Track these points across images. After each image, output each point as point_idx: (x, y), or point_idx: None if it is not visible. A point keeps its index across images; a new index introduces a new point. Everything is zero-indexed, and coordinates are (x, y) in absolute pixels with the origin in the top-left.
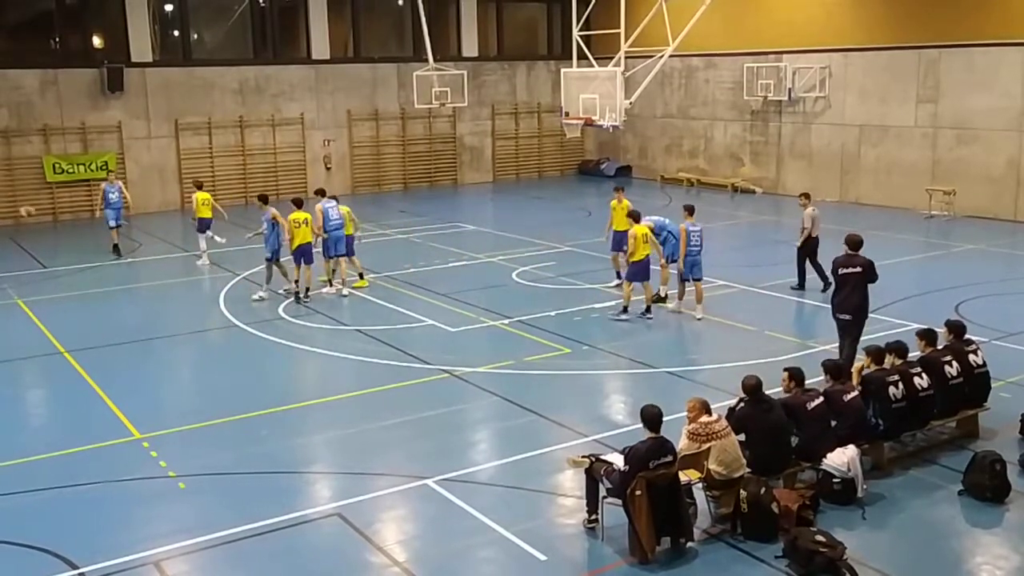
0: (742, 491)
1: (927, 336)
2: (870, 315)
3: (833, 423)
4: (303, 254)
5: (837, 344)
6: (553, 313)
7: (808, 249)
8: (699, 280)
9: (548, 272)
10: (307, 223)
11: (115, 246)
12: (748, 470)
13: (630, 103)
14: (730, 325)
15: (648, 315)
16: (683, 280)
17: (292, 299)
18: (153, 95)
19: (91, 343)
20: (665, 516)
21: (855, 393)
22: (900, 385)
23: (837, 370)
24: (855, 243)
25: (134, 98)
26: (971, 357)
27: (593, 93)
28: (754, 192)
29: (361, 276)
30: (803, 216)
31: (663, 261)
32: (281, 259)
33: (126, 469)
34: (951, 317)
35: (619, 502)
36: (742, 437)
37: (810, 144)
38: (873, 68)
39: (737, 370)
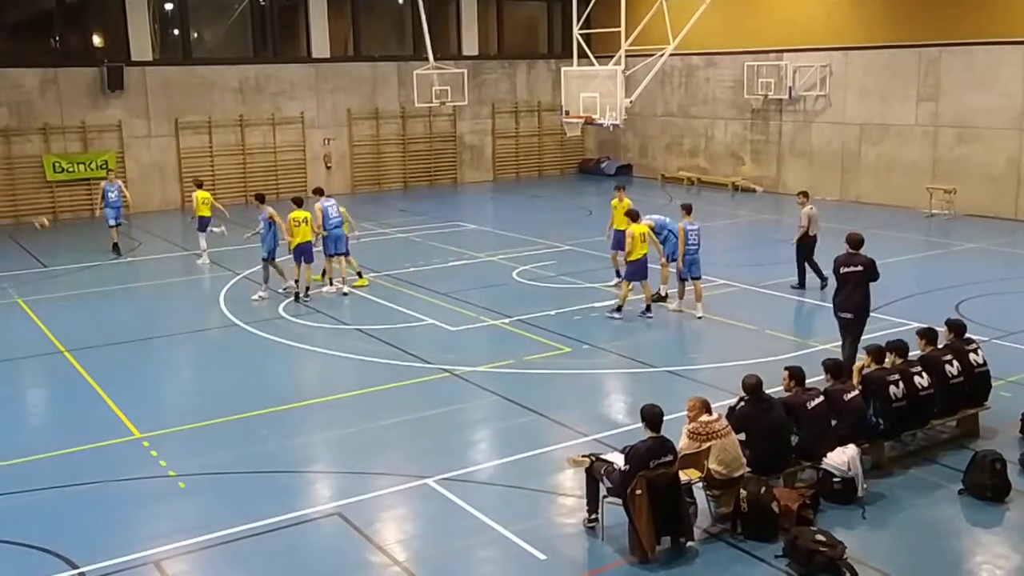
0: (742, 490)
1: (927, 335)
2: (871, 314)
3: (833, 422)
4: (303, 253)
5: (838, 343)
6: (553, 312)
7: (806, 248)
8: (697, 279)
9: (548, 271)
10: (307, 222)
11: (115, 245)
12: (748, 469)
13: (630, 102)
14: (730, 324)
15: (648, 314)
16: (682, 279)
17: (292, 298)
18: (153, 94)
19: (91, 342)
20: (665, 515)
21: (855, 392)
22: (900, 384)
23: (837, 369)
24: (856, 242)
25: (134, 97)
26: (971, 356)
27: (593, 92)
28: (754, 191)
29: (360, 275)
30: (800, 214)
31: (663, 260)
32: (277, 259)
33: (126, 469)
34: (951, 316)
35: (619, 501)
36: (742, 436)
37: (811, 143)
38: (874, 67)
39: (737, 369)
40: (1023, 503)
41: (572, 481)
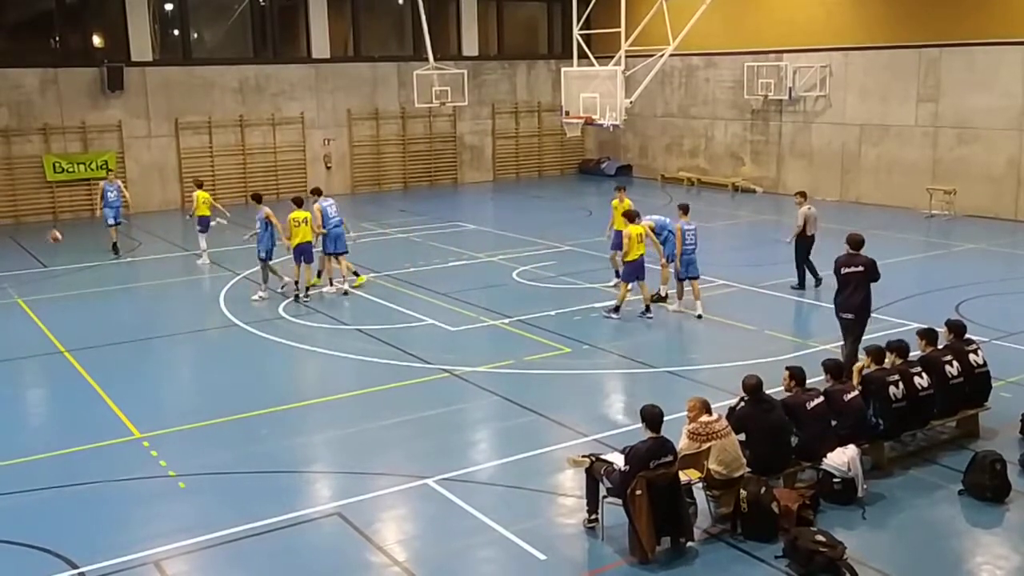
0: (742, 491)
1: (927, 336)
2: (872, 314)
3: (833, 423)
4: (303, 253)
5: (837, 343)
6: (553, 312)
7: (804, 247)
8: (695, 279)
9: (548, 271)
10: (307, 222)
11: (114, 244)
12: (748, 470)
13: (630, 102)
14: (730, 324)
15: (648, 314)
16: (679, 280)
17: (292, 298)
18: (153, 94)
19: (91, 342)
20: (665, 516)
21: (855, 393)
22: (900, 385)
23: (837, 369)
24: (856, 242)
25: (134, 97)
26: (971, 357)
27: (593, 92)
28: (754, 191)
29: (356, 274)
30: (797, 214)
31: (663, 260)
32: (272, 260)
33: (126, 469)
34: (951, 317)
35: (619, 502)
36: (742, 437)
37: (810, 143)
38: (874, 67)
39: (737, 370)
40: (1023, 504)
41: (572, 481)
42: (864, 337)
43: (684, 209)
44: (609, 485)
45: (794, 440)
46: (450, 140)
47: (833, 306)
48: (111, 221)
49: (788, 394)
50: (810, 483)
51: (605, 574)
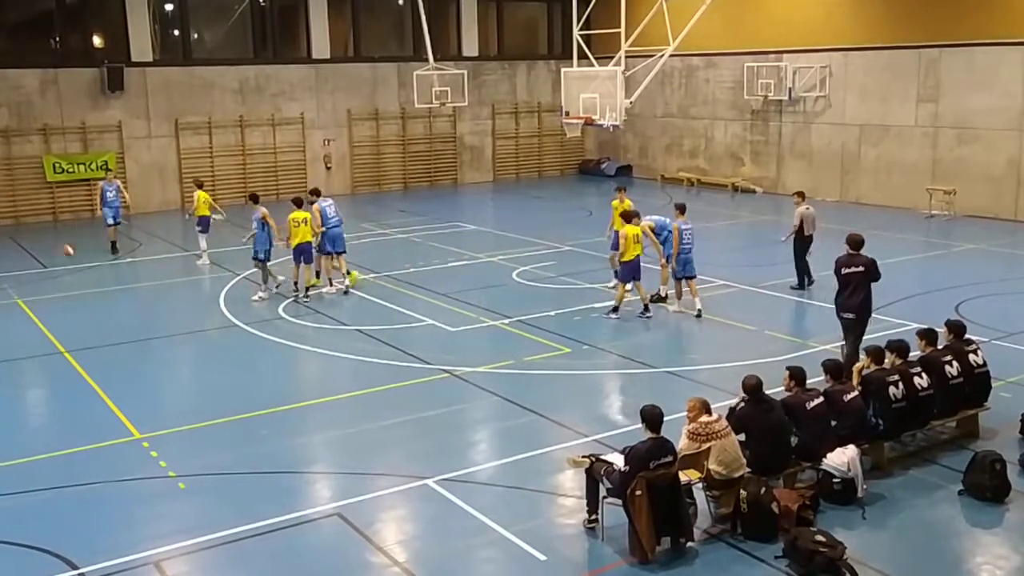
0: (742, 491)
1: (927, 336)
2: (872, 314)
3: (833, 423)
4: (302, 253)
5: (837, 344)
6: (553, 313)
7: (802, 247)
8: (692, 278)
9: (548, 272)
10: (306, 222)
11: (112, 243)
12: (748, 470)
13: (630, 103)
14: (730, 325)
15: (647, 313)
16: (677, 279)
17: (292, 299)
18: (153, 95)
19: (91, 343)
20: (665, 516)
21: (855, 393)
22: (900, 385)
23: (837, 370)
24: (856, 243)
25: (134, 98)
26: (971, 357)
27: (593, 92)
28: (754, 192)
29: (348, 272)
30: (795, 213)
31: (663, 260)
32: (271, 261)
33: (126, 469)
34: (951, 317)
35: (619, 502)
36: (742, 437)
37: (810, 144)
38: (873, 68)
39: (737, 370)
40: (1023, 504)
41: (572, 482)
42: (864, 337)
43: (681, 209)
44: (609, 485)
45: (794, 440)
46: (450, 140)
47: (834, 306)
48: (110, 221)
49: (788, 394)
50: (810, 483)
51: (605, 574)
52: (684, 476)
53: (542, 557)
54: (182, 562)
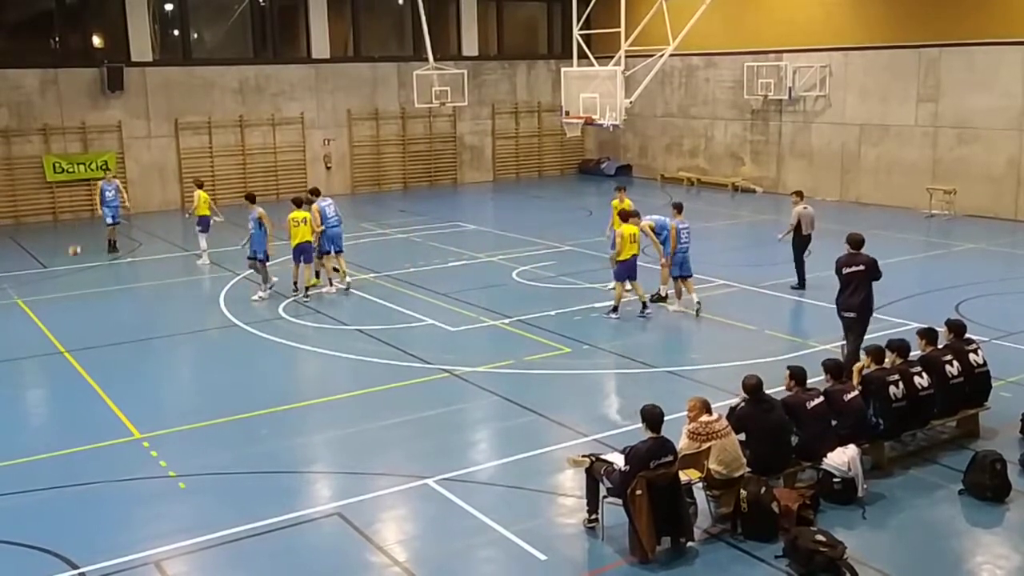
0: (742, 491)
1: (927, 335)
2: (873, 314)
3: (833, 422)
4: (302, 252)
5: (837, 343)
6: (553, 313)
7: (799, 247)
8: (688, 277)
9: (548, 272)
10: (306, 222)
11: (111, 243)
12: (748, 470)
13: (630, 102)
14: (730, 324)
15: (647, 311)
16: (674, 278)
17: (292, 299)
18: (153, 94)
19: (91, 343)
20: (665, 516)
21: (855, 392)
22: (900, 384)
23: (837, 369)
24: (857, 242)
25: (134, 97)
26: (971, 356)
27: (593, 92)
28: (754, 191)
29: (336, 270)
30: (792, 212)
31: (663, 260)
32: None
33: (126, 469)
34: (951, 316)
35: (619, 502)
36: (742, 436)
37: (810, 143)
38: (873, 67)
39: (737, 369)
40: (1023, 503)
41: (572, 481)
42: (865, 337)
43: (678, 208)
44: (609, 485)
45: (794, 440)
46: (450, 140)
47: (834, 306)
48: (109, 220)
49: (788, 394)
50: (810, 483)
51: (605, 574)
52: (684, 476)
53: (542, 557)
54: (182, 562)
